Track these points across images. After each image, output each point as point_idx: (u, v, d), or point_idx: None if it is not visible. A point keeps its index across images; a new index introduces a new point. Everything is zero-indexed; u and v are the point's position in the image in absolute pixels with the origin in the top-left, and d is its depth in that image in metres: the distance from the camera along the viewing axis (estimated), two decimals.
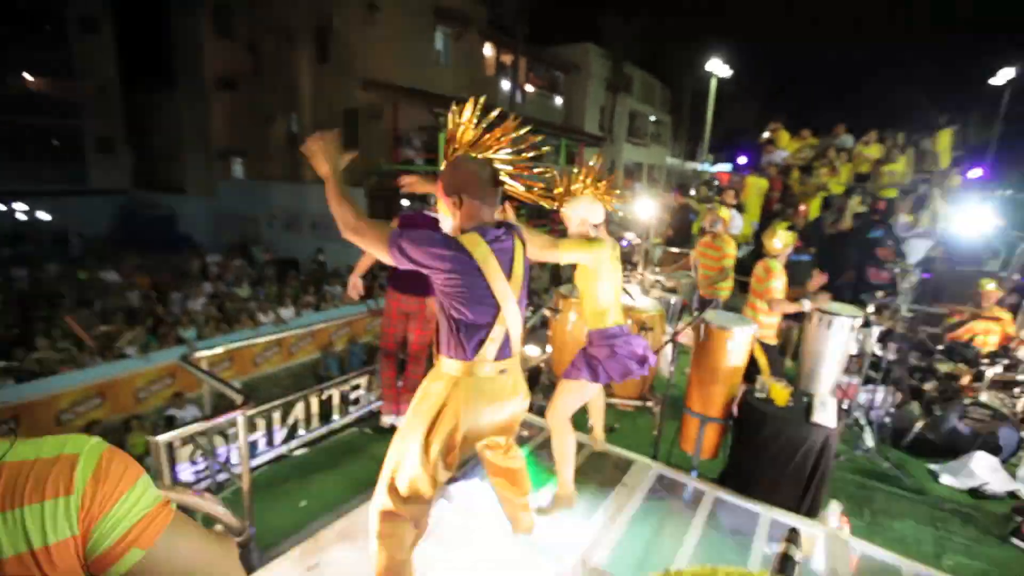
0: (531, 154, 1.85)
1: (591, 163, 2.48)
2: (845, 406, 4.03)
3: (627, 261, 6.49)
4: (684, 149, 31.67)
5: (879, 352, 4.14)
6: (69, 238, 16.81)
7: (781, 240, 3.81)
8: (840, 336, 3.98)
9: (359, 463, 3.58)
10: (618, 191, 2.57)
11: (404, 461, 1.66)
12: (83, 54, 18.05)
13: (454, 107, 1.75)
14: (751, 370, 3.43)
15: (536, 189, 2.11)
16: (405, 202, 3.59)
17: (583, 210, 2.37)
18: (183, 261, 13.33)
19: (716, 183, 9.72)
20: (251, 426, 3.38)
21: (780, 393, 3.02)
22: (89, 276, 11.41)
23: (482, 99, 1.77)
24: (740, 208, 7.34)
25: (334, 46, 15.34)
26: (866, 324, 4.12)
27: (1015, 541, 3.09)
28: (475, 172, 1.60)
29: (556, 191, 2.44)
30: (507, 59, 17.52)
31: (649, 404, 3.67)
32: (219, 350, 3.71)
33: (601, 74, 21.17)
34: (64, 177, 18.24)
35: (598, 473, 2.90)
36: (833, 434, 2.80)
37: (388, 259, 1.51)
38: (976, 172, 9.64)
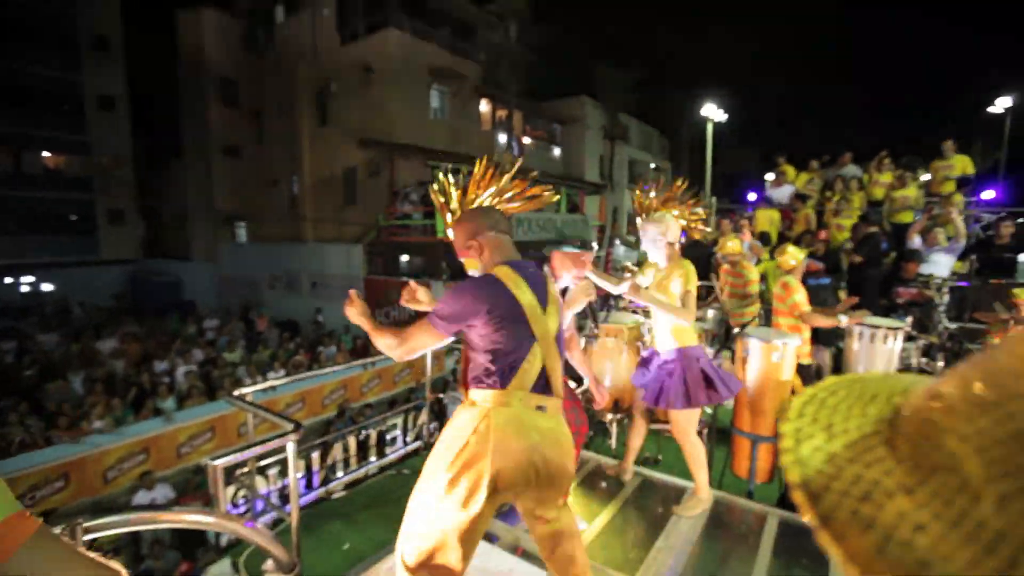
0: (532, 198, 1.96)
1: (678, 183, 2.66)
2: None
3: None
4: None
5: (926, 368, 4.13)
6: (71, 308, 16.71)
7: (792, 256, 3.85)
8: (885, 349, 3.88)
9: (400, 505, 3.16)
10: (703, 215, 2.79)
11: (420, 521, 1.44)
12: (98, 130, 18.70)
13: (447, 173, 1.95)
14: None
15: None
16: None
17: (664, 228, 2.49)
18: (180, 326, 13.03)
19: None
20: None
21: None
22: (83, 346, 11.08)
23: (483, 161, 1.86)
24: (764, 239, 7.23)
25: (333, 109, 15.73)
26: (910, 338, 4.21)
27: None
28: (479, 214, 1.70)
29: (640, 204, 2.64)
30: (503, 113, 17.85)
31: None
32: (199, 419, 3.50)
33: (598, 124, 21.58)
34: (76, 249, 18.46)
35: (649, 502, 2.86)
36: None
37: (442, 338, 1.51)
38: (989, 193, 9.34)
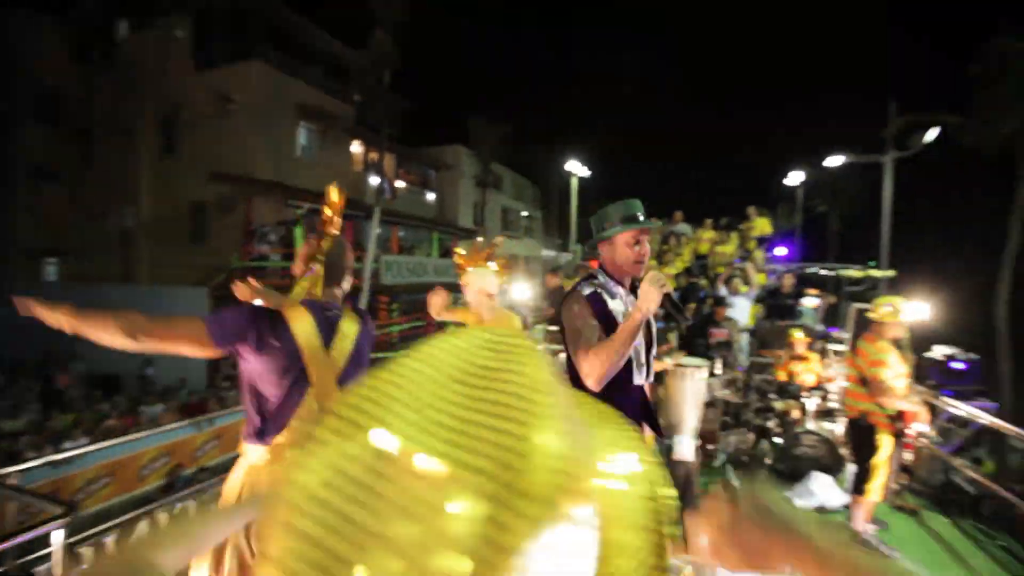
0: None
1: (494, 241, 2.79)
2: (712, 448, 4.74)
3: None
4: (556, 242, 34.08)
5: (729, 398, 4.84)
6: None
7: None
8: (692, 385, 4.36)
9: None
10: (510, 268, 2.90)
11: None
12: None
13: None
14: None
15: None
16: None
17: (484, 282, 2.61)
18: None
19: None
20: (74, 556, 2.38)
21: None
22: None
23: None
24: None
25: (181, 137, 14.33)
26: (711, 374, 4.95)
27: None
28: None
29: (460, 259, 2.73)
30: (376, 156, 17.74)
31: None
32: None
33: (472, 172, 22.42)
34: None
35: None
36: (692, 467, 3.20)
37: (206, 344, 1.37)
38: (782, 250, 11.44)
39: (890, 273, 10.16)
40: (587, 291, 1.84)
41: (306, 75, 15.65)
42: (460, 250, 2.81)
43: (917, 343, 5.74)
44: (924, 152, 12.54)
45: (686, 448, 3.23)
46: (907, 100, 13.42)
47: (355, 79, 16.24)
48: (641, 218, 1.86)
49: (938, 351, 5.47)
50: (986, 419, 4.25)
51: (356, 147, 17.68)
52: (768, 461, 4.67)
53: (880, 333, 3.57)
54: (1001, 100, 10.97)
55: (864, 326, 3.87)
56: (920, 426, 3.59)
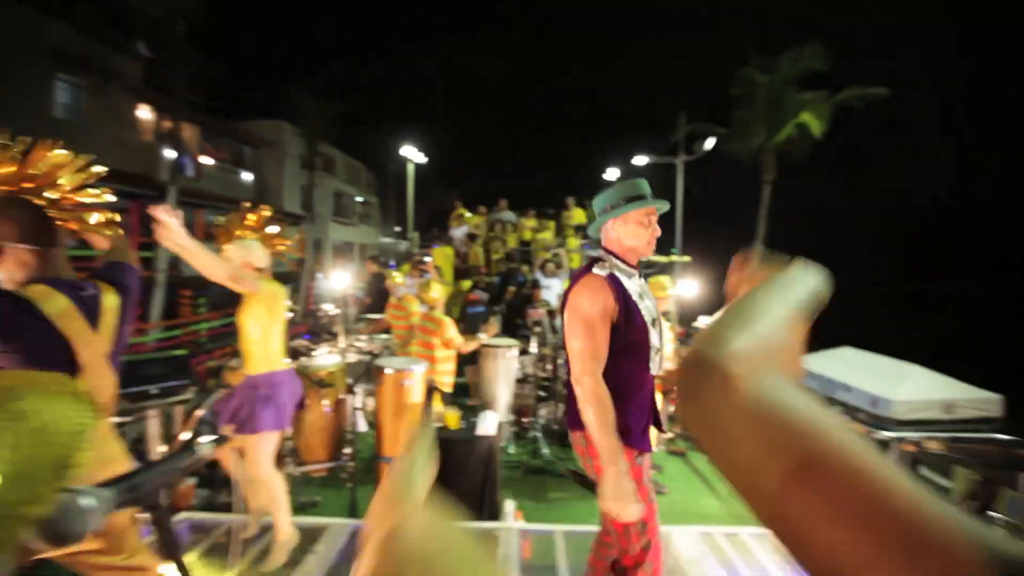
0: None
1: (261, 209, 2.51)
2: (526, 421, 5.03)
3: (327, 331, 6.82)
4: (394, 229, 33.19)
5: (541, 373, 5.14)
6: None
7: (436, 291, 4.26)
8: (504, 363, 4.71)
9: None
10: (289, 242, 2.64)
11: None
12: None
13: None
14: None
15: (99, 220, 1.63)
16: None
17: (247, 253, 2.38)
18: None
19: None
20: None
21: (453, 418, 3.48)
22: None
23: None
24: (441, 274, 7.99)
25: None
26: (524, 352, 5.24)
27: None
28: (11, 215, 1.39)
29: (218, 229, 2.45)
30: (171, 125, 15.15)
31: (344, 462, 3.54)
32: None
33: (297, 152, 20.50)
34: None
35: (292, 553, 2.63)
36: (495, 440, 3.27)
37: None
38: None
39: (686, 258, 12.01)
40: (604, 271, 1.70)
41: (72, 16, 12.58)
42: (220, 218, 2.51)
43: (691, 315, 6.87)
44: (710, 156, 15.10)
45: (490, 423, 3.37)
46: (696, 111, 15.95)
47: (141, 28, 13.59)
48: (650, 197, 1.77)
49: (702, 321, 6.63)
50: None
51: (146, 113, 14.88)
52: None
53: None
54: (751, 119, 13.65)
55: None
56: None
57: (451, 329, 4.16)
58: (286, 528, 2.55)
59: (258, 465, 2.39)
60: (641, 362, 1.71)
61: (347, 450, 3.47)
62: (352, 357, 5.27)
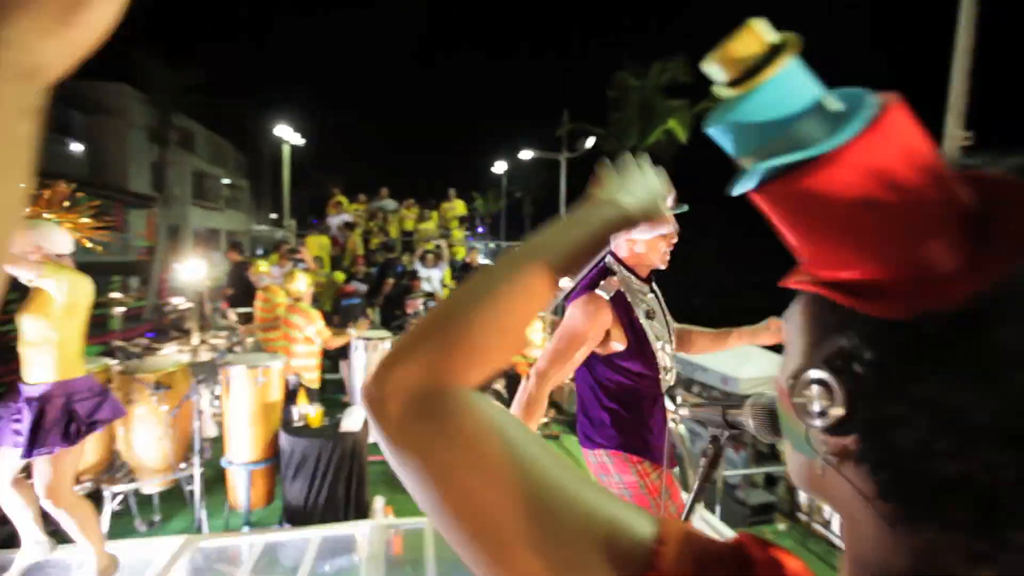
0: None
1: (56, 184, 2.15)
2: None
3: (176, 328, 6.41)
4: (270, 216, 30.61)
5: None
6: None
7: (302, 282, 3.97)
8: (376, 356, 4.30)
9: None
10: (100, 226, 2.28)
11: None
12: None
13: None
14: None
15: None
16: None
17: (40, 237, 1.99)
18: None
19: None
20: None
21: (315, 417, 3.20)
22: None
23: None
24: (317, 264, 7.53)
25: None
26: None
27: None
28: None
29: None
30: None
31: (185, 472, 3.21)
32: None
33: (145, 123, 17.87)
34: None
35: None
36: (360, 437, 3.13)
37: None
38: (480, 230, 13.01)
39: None
40: (608, 293, 1.55)
41: None
42: None
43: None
44: (591, 154, 15.90)
45: (355, 419, 3.21)
46: (580, 109, 16.69)
47: None
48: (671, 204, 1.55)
49: None
50: None
51: None
52: None
53: None
54: (626, 121, 14.67)
55: None
56: None
57: (317, 322, 3.91)
58: (103, 559, 2.19)
59: (54, 490, 2.02)
60: (651, 382, 1.66)
61: (193, 459, 3.10)
62: (205, 355, 4.79)
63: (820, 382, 0.32)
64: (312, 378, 4.00)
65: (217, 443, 3.65)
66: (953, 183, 0.31)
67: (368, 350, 4.42)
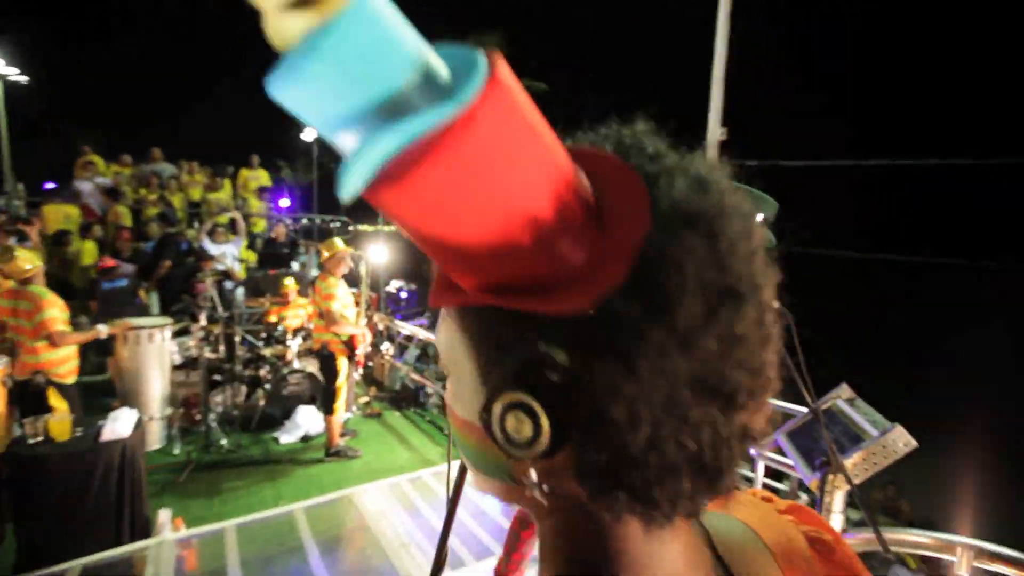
0: None
1: None
2: (196, 413, 4.45)
3: None
4: None
5: (212, 356, 4.49)
6: None
7: (27, 260, 3.22)
8: (153, 348, 3.98)
9: None
10: None
11: None
12: None
13: None
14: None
15: None
16: None
17: None
18: None
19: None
20: None
21: (60, 427, 2.64)
22: None
23: None
24: (60, 239, 6.09)
25: None
26: (183, 332, 4.60)
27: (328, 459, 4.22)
28: None
29: None
30: None
31: None
32: None
33: None
34: None
35: None
36: (129, 443, 2.72)
37: None
38: (285, 202, 11.85)
39: (392, 227, 11.98)
40: None
41: None
42: None
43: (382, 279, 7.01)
44: None
45: (122, 425, 2.69)
46: None
47: None
48: None
49: (393, 284, 6.86)
50: (422, 334, 5.75)
51: None
52: (261, 408, 4.71)
53: (330, 271, 3.99)
54: None
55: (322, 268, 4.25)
56: (363, 348, 4.28)
57: (52, 309, 3.14)
58: None
59: None
60: None
61: None
62: None
63: (518, 406, 0.28)
64: (62, 372, 3.22)
65: None
66: (572, 164, 0.28)
67: (140, 342, 3.69)
